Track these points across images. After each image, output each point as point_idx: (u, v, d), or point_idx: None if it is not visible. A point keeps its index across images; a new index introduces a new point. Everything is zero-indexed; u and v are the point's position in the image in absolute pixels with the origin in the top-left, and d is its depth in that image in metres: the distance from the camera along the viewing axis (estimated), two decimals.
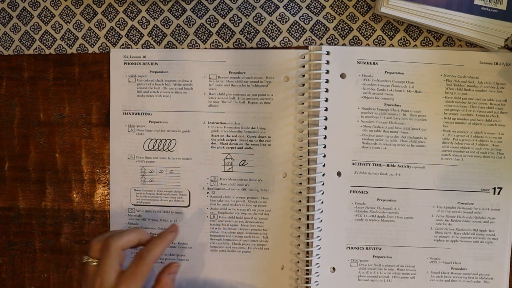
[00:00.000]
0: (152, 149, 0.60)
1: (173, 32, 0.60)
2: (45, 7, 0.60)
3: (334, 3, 0.58)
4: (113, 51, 0.60)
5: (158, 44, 0.60)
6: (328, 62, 0.57)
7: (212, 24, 0.59)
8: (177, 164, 0.60)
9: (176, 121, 0.60)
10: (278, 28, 0.59)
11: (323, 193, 0.58)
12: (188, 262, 0.60)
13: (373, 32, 0.58)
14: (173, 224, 0.59)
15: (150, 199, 0.60)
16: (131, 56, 0.60)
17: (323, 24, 0.58)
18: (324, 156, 0.58)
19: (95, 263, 0.51)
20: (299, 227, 0.58)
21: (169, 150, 0.60)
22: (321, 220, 0.58)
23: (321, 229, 0.58)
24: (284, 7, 0.58)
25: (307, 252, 0.57)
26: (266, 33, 0.59)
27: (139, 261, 0.50)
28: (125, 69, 0.60)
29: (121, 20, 0.60)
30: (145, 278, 0.50)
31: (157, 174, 0.60)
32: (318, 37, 0.58)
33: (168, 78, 0.60)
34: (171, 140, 0.60)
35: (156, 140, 0.60)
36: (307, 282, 0.57)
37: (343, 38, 0.58)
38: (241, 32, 0.59)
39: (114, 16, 0.60)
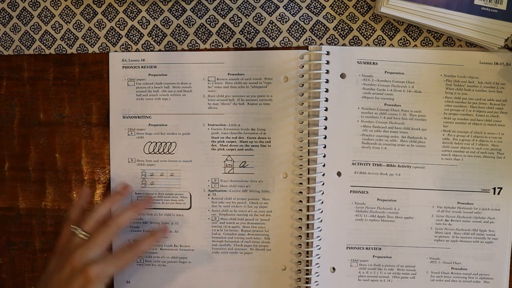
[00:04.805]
0: (153, 152, 0.60)
1: (173, 32, 0.59)
2: (45, 7, 0.60)
3: (334, 3, 0.58)
4: (111, 55, 0.60)
5: (158, 44, 0.60)
6: (328, 62, 0.57)
7: (212, 24, 0.59)
8: (177, 167, 0.60)
9: (176, 123, 0.60)
10: (278, 28, 0.59)
11: (323, 193, 0.58)
12: (191, 264, 0.60)
13: (373, 32, 0.58)
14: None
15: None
16: (129, 59, 0.60)
17: (323, 24, 0.58)
18: (324, 156, 0.58)
19: (82, 237, 0.54)
20: (300, 227, 0.58)
21: (169, 153, 0.60)
22: (321, 220, 0.58)
23: (321, 229, 0.58)
24: (284, 7, 0.58)
25: (307, 252, 0.58)
26: (266, 33, 0.59)
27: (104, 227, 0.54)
28: (124, 72, 0.60)
29: (121, 20, 0.60)
30: (106, 243, 0.54)
31: (158, 177, 0.60)
32: (318, 37, 0.58)
33: (167, 81, 0.60)
34: (171, 143, 0.60)
35: (156, 143, 0.60)
36: (307, 282, 0.57)
37: (343, 38, 0.58)
38: (241, 32, 0.59)
39: (114, 16, 0.60)
